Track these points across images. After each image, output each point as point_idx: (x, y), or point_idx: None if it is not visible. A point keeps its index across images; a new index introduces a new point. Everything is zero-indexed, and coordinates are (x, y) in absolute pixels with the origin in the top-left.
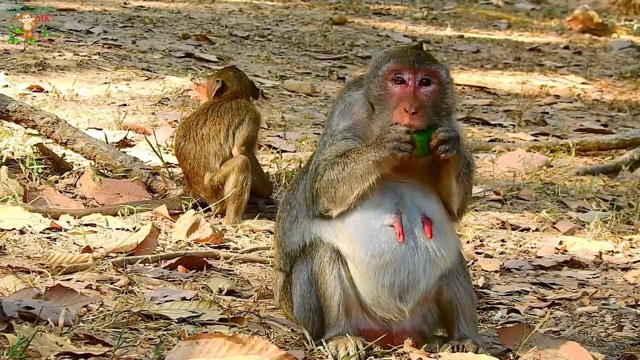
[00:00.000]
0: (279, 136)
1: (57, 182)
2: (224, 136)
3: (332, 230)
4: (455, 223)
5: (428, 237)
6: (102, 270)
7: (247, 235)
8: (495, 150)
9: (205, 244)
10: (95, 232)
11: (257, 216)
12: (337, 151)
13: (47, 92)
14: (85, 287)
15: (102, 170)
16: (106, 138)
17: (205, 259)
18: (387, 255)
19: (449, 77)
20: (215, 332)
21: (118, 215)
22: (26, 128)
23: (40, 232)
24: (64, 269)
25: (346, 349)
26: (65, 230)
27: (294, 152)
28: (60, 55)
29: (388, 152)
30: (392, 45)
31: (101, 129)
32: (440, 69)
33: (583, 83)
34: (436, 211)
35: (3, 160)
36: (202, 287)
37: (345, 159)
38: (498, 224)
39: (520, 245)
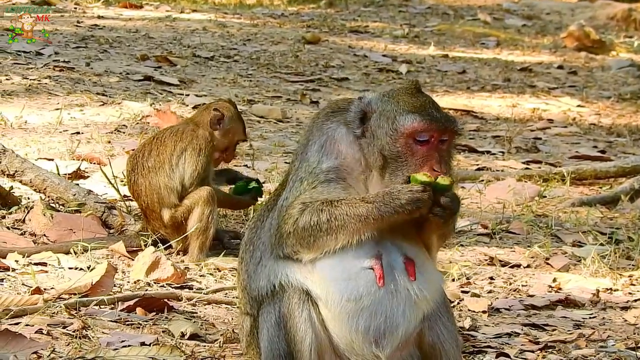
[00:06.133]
0: (246, 166)
1: (4, 217)
2: (169, 167)
3: (301, 272)
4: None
5: (412, 279)
6: (54, 313)
7: (211, 274)
8: (483, 180)
9: (166, 284)
10: (46, 271)
11: (223, 253)
12: (320, 196)
13: None
14: (35, 332)
15: (53, 204)
16: (58, 169)
17: (166, 300)
18: (365, 300)
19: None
20: None
21: (71, 253)
22: None
23: None
24: (12, 312)
25: None
26: (14, 270)
27: (264, 183)
28: (7, 79)
29: (404, 210)
30: (370, 66)
31: (52, 160)
32: (460, 125)
33: (579, 106)
34: (418, 250)
35: None
36: (163, 331)
37: (334, 210)
38: (486, 260)
39: (511, 283)
